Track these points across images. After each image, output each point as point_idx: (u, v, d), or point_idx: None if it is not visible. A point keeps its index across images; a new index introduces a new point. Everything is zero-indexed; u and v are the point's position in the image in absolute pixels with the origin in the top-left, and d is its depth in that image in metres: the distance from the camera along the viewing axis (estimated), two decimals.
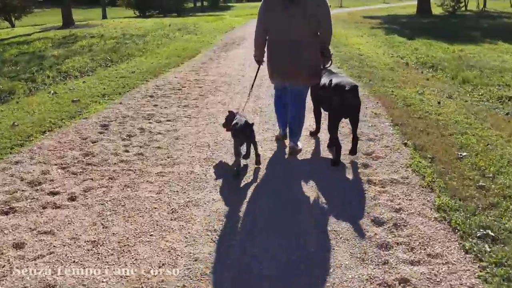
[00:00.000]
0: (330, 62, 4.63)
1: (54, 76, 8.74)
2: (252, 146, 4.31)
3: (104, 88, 7.82)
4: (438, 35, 15.63)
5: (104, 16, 27.85)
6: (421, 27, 19.00)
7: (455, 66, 9.45)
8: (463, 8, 28.93)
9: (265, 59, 4.65)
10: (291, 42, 4.22)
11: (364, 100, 6.93)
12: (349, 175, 4.27)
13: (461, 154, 4.57)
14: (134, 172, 4.33)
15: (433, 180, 4.04)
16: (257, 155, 4.32)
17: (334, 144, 4.37)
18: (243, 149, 4.38)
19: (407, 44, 13.46)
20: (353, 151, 4.51)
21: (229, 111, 4.65)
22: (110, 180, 4.16)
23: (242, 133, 4.06)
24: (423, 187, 3.94)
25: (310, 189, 3.99)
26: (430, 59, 10.48)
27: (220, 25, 20.57)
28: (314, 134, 5.22)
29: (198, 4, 42.49)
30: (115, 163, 4.54)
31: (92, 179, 4.17)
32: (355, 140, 4.49)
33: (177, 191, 3.93)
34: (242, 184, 4.11)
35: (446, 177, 4.07)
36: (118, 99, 7.19)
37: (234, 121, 4.19)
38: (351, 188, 4.02)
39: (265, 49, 4.56)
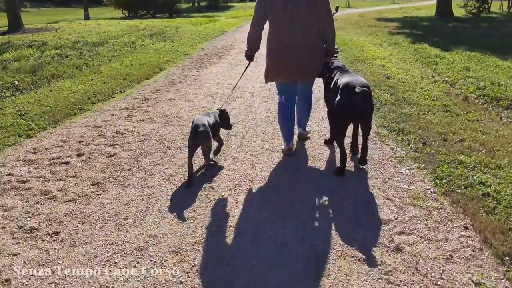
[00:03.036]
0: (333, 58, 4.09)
1: None
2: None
3: None
4: (478, 45, 11.63)
5: (87, 17, 23.90)
6: (450, 33, 14.89)
7: None
8: (486, 10, 24.61)
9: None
10: (297, 41, 3.83)
11: (435, 216, 2.96)
12: None
13: None
14: None
15: None
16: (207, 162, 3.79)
17: (340, 152, 3.73)
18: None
19: (446, 59, 9.39)
20: (362, 160, 3.82)
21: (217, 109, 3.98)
22: None
23: (194, 137, 3.48)
24: None
25: None
26: (500, 91, 6.43)
27: (208, 29, 16.56)
28: (329, 142, 4.43)
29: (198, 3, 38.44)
30: None
31: None
32: (364, 149, 3.80)
33: None
34: None
35: None
36: None
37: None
38: None
39: (266, 49, 4.04)
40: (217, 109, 4.01)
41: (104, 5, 31.10)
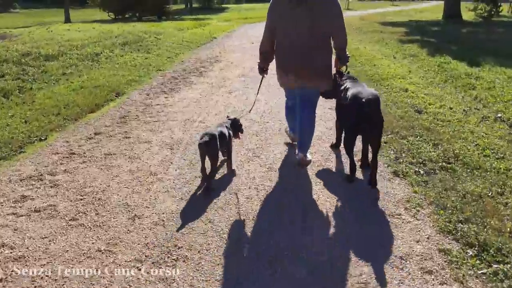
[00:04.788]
0: (346, 67, 3.82)
1: None
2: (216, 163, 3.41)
3: None
4: (506, 55, 9.56)
5: (67, 19, 21.55)
6: (468, 41, 12.67)
7: None
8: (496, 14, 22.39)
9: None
10: (300, 45, 3.57)
11: None
12: None
13: None
14: None
15: None
16: (210, 175, 3.39)
17: (350, 166, 3.50)
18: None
19: (484, 81, 7.19)
20: (372, 182, 3.35)
21: (227, 117, 3.83)
22: None
23: (205, 145, 3.25)
24: None
25: None
26: None
27: (195, 35, 14.27)
28: (335, 147, 4.20)
29: (194, 5, 36.07)
30: None
31: None
32: (374, 168, 3.34)
33: None
34: None
35: None
36: None
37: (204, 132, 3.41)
38: None
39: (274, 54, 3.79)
40: (228, 119, 3.79)
41: (90, 6, 28.59)
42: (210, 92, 6.79)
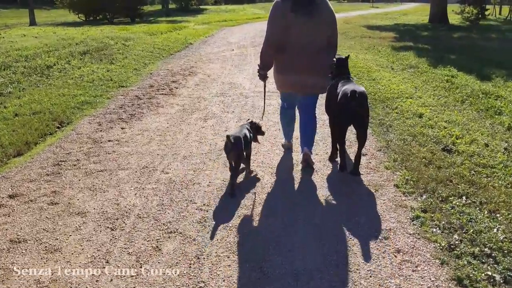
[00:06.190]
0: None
1: None
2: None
3: None
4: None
5: (33, 22, 19.63)
6: (465, 48, 11.53)
7: None
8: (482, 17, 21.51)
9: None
10: (305, 51, 3.63)
11: None
12: None
13: None
14: None
15: None
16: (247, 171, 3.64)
17: (340, 156, 3.71)
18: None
19: (506, 101, 5.98)
20: (355, 171, 3.58)
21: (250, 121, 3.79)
22: None
23: (231, 148, 3.25)
24: None
25: None
26: None
27: (168, 40, 12.71)
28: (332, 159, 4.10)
29: (171, 6, 34.21)
30: None
31: None
32: (358, 157, 3.57)
33: None
34: None
35: None
36: None
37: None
38: None
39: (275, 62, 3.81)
40: (248, 121, 3.77)
41: (56, 7, 26.51)
42: (180, 120, 5.35)
